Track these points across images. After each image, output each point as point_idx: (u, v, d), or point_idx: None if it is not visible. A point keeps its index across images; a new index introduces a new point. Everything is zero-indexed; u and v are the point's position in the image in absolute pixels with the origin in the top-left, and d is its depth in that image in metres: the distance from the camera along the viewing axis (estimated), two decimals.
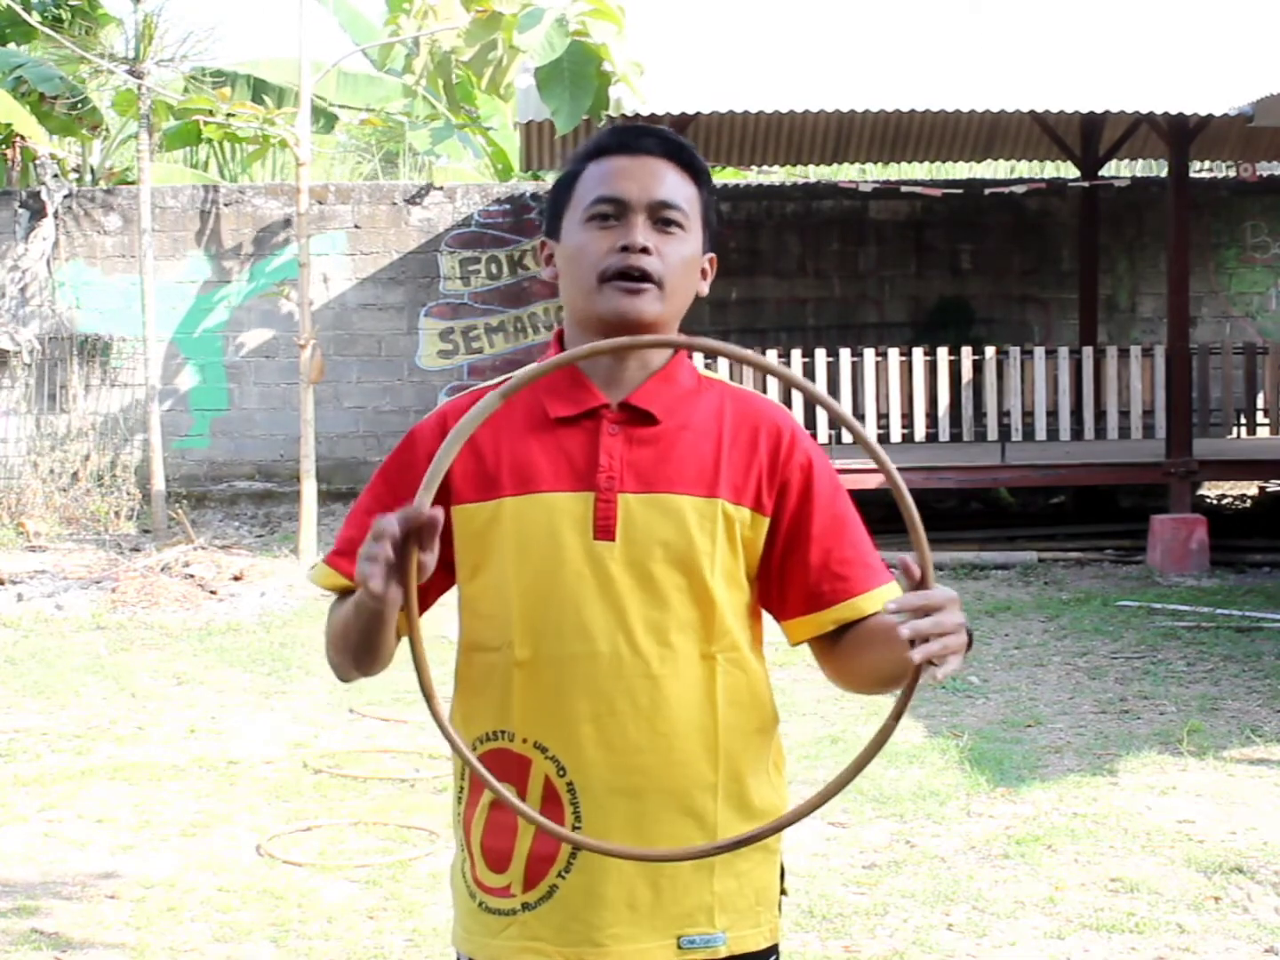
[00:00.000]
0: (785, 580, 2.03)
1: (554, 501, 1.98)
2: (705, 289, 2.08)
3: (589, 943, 1.97)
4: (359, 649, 1.98)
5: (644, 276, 1.96)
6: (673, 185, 2.00)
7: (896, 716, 1.74)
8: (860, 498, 2.07)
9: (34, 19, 12.57)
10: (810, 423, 10.84)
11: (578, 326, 2.03)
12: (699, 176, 2.04)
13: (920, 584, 1.75)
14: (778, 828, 1.85)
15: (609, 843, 1.90)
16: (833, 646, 2.06)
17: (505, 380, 1.81)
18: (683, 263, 2.00)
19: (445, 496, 2.01)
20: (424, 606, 2.08)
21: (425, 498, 1.73)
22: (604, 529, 1.97)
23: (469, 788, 2.05)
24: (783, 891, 2.11)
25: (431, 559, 1.77)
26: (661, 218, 1.98)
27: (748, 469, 2.01)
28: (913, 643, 1.75)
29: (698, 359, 10.73)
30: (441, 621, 2.14)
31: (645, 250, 1.96)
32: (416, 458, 2.04)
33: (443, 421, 2.05)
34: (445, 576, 2.07)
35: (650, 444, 1.99)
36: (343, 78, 14.58)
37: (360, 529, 2.02)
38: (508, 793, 1.80)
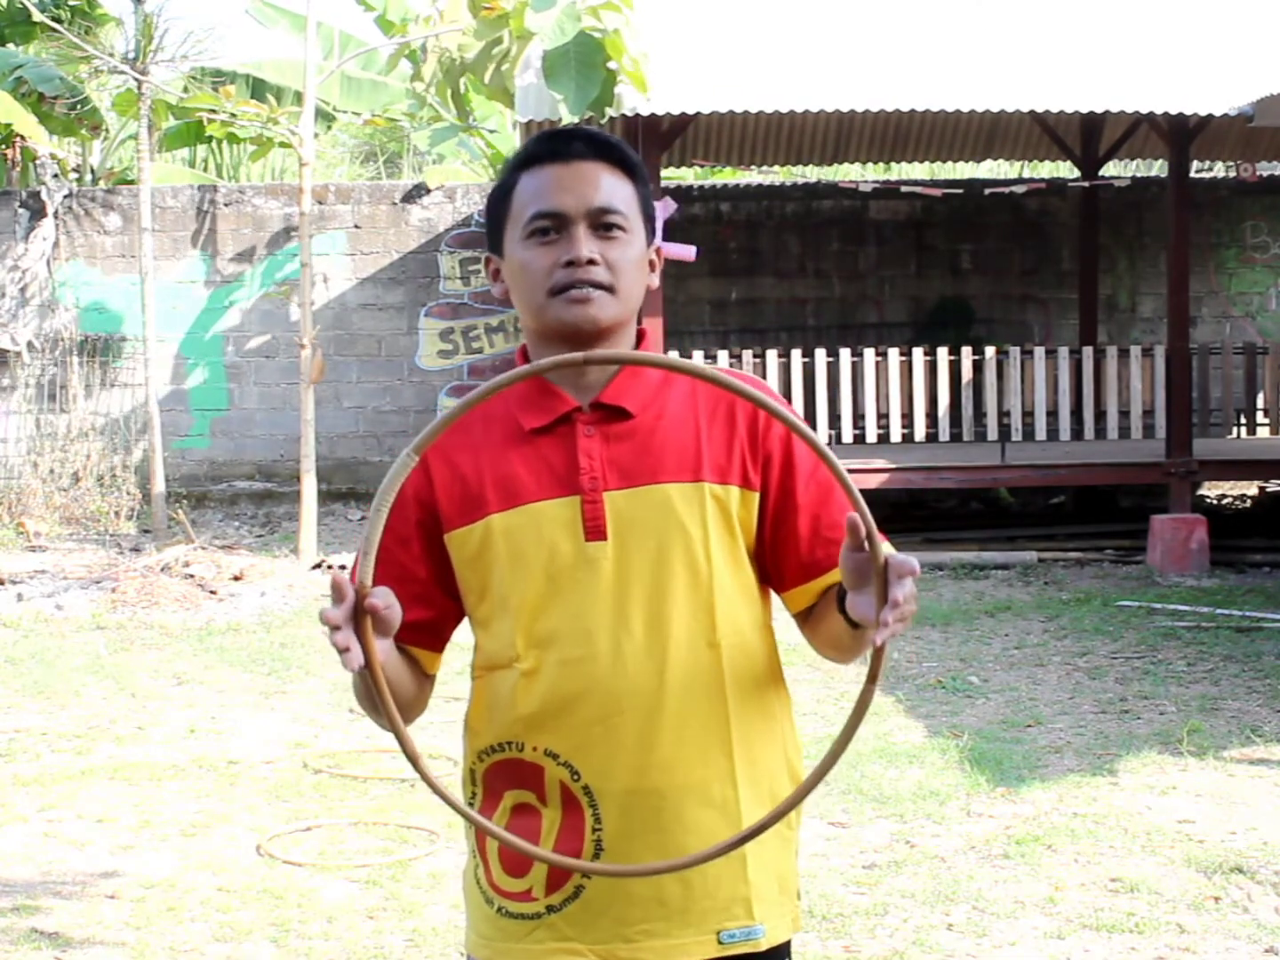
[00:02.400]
0: (779, 552, 2.03)
1: (541, 510, 1.97)
2: (656, 281, 2.08)
3: (620, 939, 1.96)
4: (374, 702, 1.97)
5: (593, 287, 1.95)
6: (609, 188, 1.98)
7: (872, 680, 1.75)
8: None
9: (35, 18, 12.56)
10: (809, 418, 10.83)
11: (537, 339, 2.03)
12: (633, 172, 2.02)
13: (868, 538, 1.72)
14: (790, 806, 1.82)
15: (630, 865, 1.90)
16: (811, 609, 2.07)
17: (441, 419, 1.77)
18: (630, 264, 1.99)
19: (436, 527, 2.01)
20: (444, 638, 2.08)
21: (366, 567, 1.72)
22: (594, 530, 1.96)
23: (482, 794, 2.05)
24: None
25: (394, 615, 1.78)
26: (602, 223, 1.97)
27: (729, 447, 2.00)
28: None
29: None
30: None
31: (591, 261, 1.95)
32: (405, 497, 2.03)
33: (424, 460, 2.03)
34: (456, 606, 2.07)
35: (628, 438, 1.98)
36: (346, 83, 14.60)
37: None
38: (516, 839, 1.82)
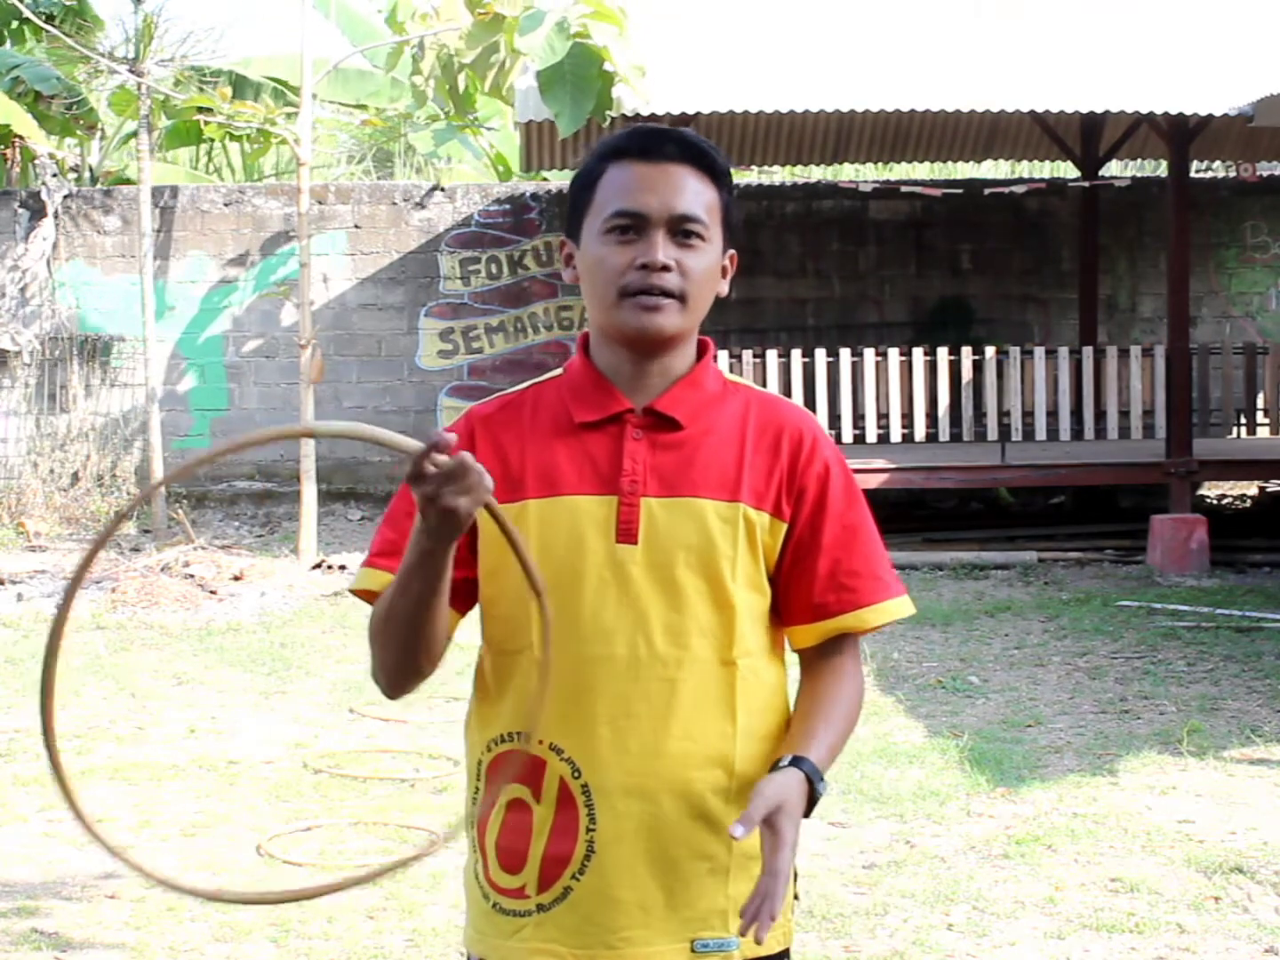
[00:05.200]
0: (791, 588, 2.04)
1: (577, 504, 1.99)
2: (726, 288, 2.08)
3: (603, 945, 1.97)
4: (409, 635, 1.92)
5: (664, 294, 1.96)
6: (693, 195, 1.98)
7: None
8: None
9: (30, 17, 12.53)
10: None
11: (600, 336, 2.04)
12: (720, 179, 2.02)
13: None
14: None
15: None
16: (817, 661, 2.06)
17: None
18: (703, 273, 1.99)
19: None
20: (471, 602, 2.06)
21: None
22: (626, 532, 1.98)
23: (484, 788, 2.05)
24: (795, 896, 2.11)
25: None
26: (682, 230, 1.97)
27: (769, 474, 2.01)
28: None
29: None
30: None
31: (665, 268, 1.95)
32: (461, 442, 2.03)
33: (470, 427, 2.05)
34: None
35: (674, 449, 2.00)
36: (334, 73, 14.55)
37: (399, 531, 2.00)
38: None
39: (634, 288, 1.95)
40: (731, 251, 2.07)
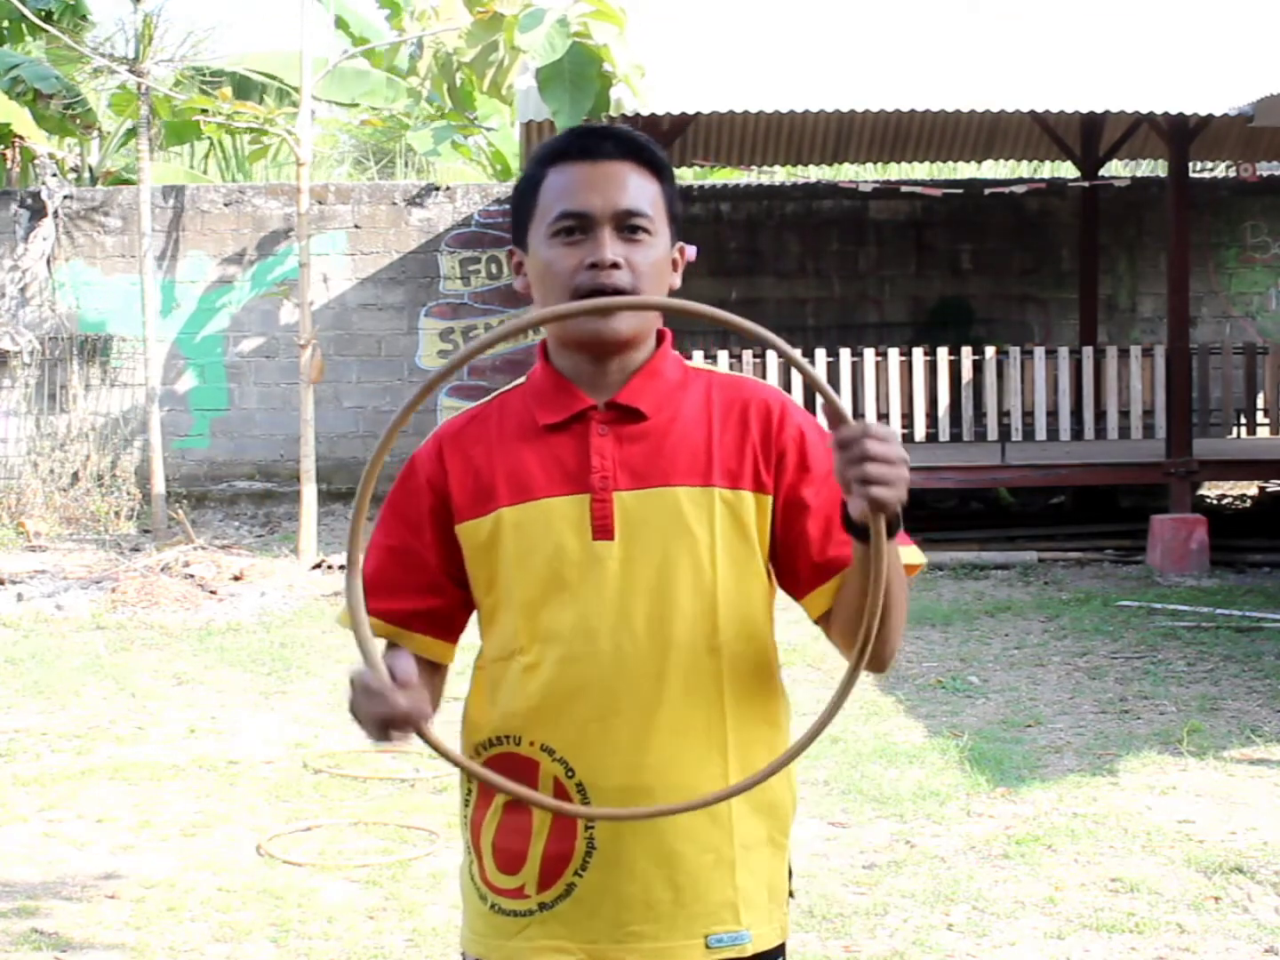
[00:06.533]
0: (793, 554, 2.01)
1: (550, 506, 1.98)
2: (678, 281, 2.07)
3: (610, 939, 1.97)
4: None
5: (616, 292, 1.95)
6: (636, 190, 1.98)
7: (860, 654, 1.76)
8: None
9: (30, 15, 12.52)
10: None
11: (557, 342, 2.04)
12: (661, 173, 2.02)
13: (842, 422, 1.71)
14: (782, 764, 1.86)
15: (623, 809, 1.92)
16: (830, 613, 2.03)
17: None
18: (653, 267, 1.99)
19: (448, 516, 2.02)
20: (456, 628, 2.09)
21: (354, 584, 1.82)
22: (602, 528, 1.97)
23: (477, 791, 2.06)
24: (790, 894, 2.11)
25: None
26: (628, 225, 1.97)
27: (741, 451, 2.00)
28: (861, 485, 1.70)
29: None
30: None
31: (615, 265, 1.95)
32: (419, 485, 2.04)
33: (438, 446, 2.05)
34: (467, 595, 2.07)
35: (641, 440, 1.99)
36: (331, 72, 14.55)
37: (381, 565, 2.05)
38: (523, 790, 1.86)
39: (585, 288, 1.94)
40: (680, 244, 2.06)
